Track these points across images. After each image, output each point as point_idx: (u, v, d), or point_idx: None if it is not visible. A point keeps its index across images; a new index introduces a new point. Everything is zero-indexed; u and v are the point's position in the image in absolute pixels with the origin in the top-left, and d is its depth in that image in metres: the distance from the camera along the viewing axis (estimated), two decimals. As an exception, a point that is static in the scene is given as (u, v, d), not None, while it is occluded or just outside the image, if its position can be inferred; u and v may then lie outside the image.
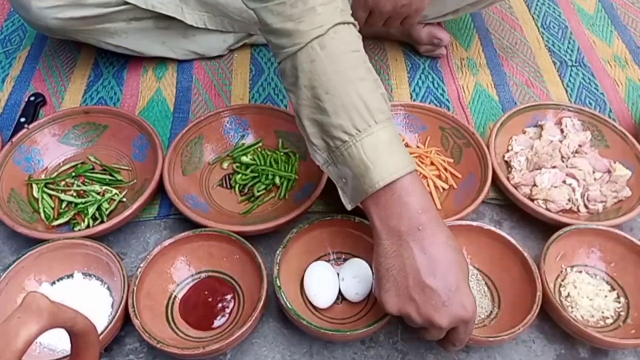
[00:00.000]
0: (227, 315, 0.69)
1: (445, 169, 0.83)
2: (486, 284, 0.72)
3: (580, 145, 0.84)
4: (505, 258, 0.72)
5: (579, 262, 0.74)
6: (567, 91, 0.97)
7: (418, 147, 0.87)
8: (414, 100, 0.95)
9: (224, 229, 0.71)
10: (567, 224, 0.74)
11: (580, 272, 0.74)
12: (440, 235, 0.55)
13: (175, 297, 0.70)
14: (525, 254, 0.70)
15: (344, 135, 0.56)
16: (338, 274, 0.71)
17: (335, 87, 0.56)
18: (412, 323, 0.57)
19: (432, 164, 0.84)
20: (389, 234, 0.56)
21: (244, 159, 0.83)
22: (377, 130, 0.56)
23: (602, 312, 0.70)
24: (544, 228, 0.78)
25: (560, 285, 0.73)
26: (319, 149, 0.60)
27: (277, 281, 0.66)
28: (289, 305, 0.65)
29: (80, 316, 0.50)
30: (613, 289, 0.73)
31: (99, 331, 0.63)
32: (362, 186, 0.56)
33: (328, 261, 0.73)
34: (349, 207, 0.60)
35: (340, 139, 0.57)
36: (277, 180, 0.81)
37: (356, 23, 0.61)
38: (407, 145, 0.86)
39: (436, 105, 0.93)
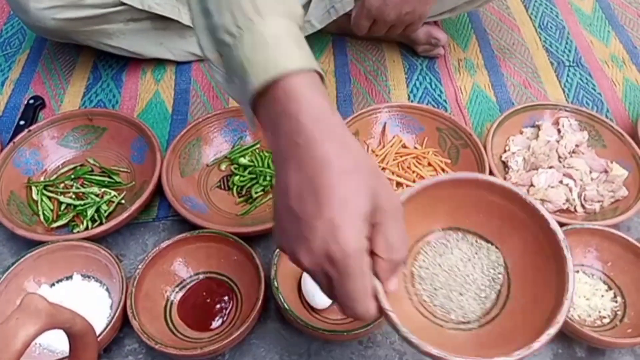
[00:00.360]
0: (225, 316, 0.70)
1: (443, 170, 0.84)
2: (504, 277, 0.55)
3: (577, 145, 0.84)
4: (540, 250, 0.53)
5: (575, 261, 0.74)
6: (564, 91, 0.97)
7: (416, 148, 0.87)
8: (412, 101, 0.95)
9: (221, 231, 0.71)
10: (564, 224, 0.74)
11: (577, 271, 0.74)
12: (325, 149, 0.41)
13: (174, 298, 0.71)
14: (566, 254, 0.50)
15: (227, 37, 0.46)
16: (336, 275, 0.71)
17: None
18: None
19: (429, 164, 0.84)
20: (274, 152, 0.45)
21: (242, 160, 0.84)
22: (261, 26, 0.44)
23: (599, 312, 0.71)
24: (541, 228, 0.78)
25: (558, 285, 0.73)
26: (215, 65, 0.50)
27: (275, 282, 0.67)
28: (286, 306, 0.65)
29: (79, 317, 0.50)
30: (610, 288, 0.73)
31: (98, 332, 0.63)
32: (245, 94, 0.45)
33: (326, 262, 0.74)
34: (252, 128, 0.49)
35: (224, 43, 0.47)
36: (274, 181, 0.81)
37: None
38: (404, 147, 0.87)
39: (434, 106, 0.94)
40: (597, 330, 0.69)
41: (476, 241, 0.56)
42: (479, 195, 0.54)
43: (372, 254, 0.43)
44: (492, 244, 0.56)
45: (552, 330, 0.46)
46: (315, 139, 0.41)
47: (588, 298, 0.72)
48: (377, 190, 0.42)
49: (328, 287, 0.43)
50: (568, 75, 1.00)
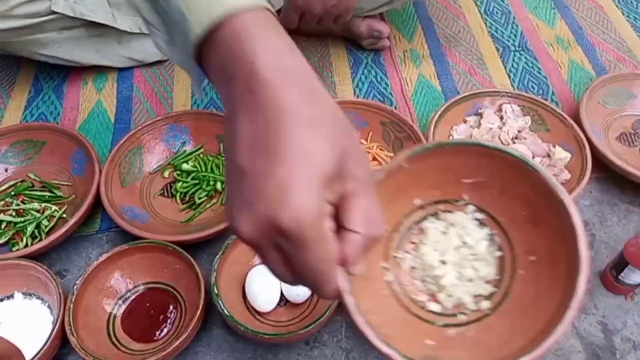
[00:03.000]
0: (169, 326, 0.69)
1: (388, 163, 0.83)
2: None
3: (519, 131, 0.84)
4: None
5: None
6: (509, 77, 0.97)
7: (361, 143, 0.86)
8: (357, 95, 0.95)
9: (161, 240, 0.71)
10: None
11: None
12: (285, 96, 0.34)
13: (117, 311, 0.70)
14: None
15: None
16: (279, 277, 0.71)
17: None
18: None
19: (374, 159, 0.84)
20: (225, 105, 0.38)
21: (185, 166, 0.83)
22: None
23: None
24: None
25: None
26: (155, 27, 0.44)
27: (215, 288, 0.66)
28: (226, 312, 0.64)
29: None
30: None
31: (37, 350, 0.62)
32: (186, 46, 0.39)
33: (269, 264, 0.73)
34: (199, 89, 0.45)
35: None
36: (218, 186, 0.81)
37: None
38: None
39: (380, 99, 0.93)
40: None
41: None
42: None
43: (340, 228, 0.35)
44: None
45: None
46: (274, 84, 0.34)
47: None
48: (347, 149, 0.34)
49: (278, 264, 0.35)
50: (513, 60, 1.00)
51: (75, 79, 0.97)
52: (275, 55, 0.35)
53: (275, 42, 0.36)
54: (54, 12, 0.83)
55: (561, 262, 0.43)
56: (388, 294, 0.47)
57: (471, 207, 0.49)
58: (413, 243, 0.50)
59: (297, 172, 0.32)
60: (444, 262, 0.48)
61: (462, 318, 0.46)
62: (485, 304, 0.46)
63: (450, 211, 0.50)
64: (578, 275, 0.40)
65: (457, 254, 0.48)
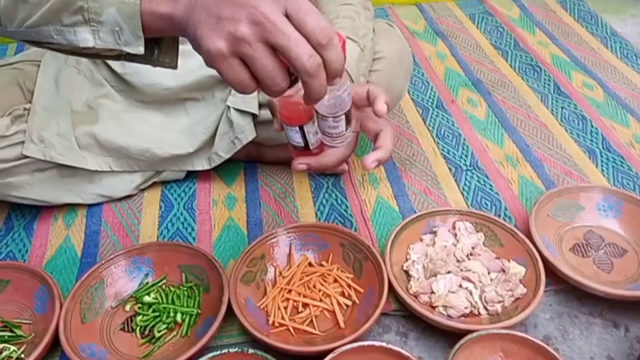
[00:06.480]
0: None
1: (349, 286, 0.84)
2: None
3: (473, 247, 0.87)
4: None
5: (486, 369, 0.74)
6: (463, 194, 1.02)
7: (322, 265, 0.88)
8: (319, 218, 0.98)
9: (114, 379, 0.69)
10: (467, 330, 0.75)
11: (490, 378, 0.73)
12: None
13: None
14: None
15: None
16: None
17: None
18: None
19: (335, 281, 0.85)
20: (183, 13, 0.51)
21: (147, 298, 0.83)
22: None
23: None
24: (449, 335, 0.78)
25: (472, 395, 0.72)
26: (79, 27, 0.54)
27: None
28: None
29: None
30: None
31: None
32: (130, 6, 0.52)
33: (227, 399, 0.71)
34: (140, 49, 0.55)
35: None
36: (178, 317, 0.81)
37: None
38: (310, 265, 0.88)
39: (340, 221, 0.97)
40: None
41: None
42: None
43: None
44: None
45: None
46: None
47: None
48: None
49: (240, 70, 0.49)
50: (466, 179, 1.06)
51: (46, 216, 1.01)
52: None
53: None
54: (25, 157, 0.88)
55: None
56: None
57: None
58: None
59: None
60: None
61: None
62: None
63: None
64: None
65: None
